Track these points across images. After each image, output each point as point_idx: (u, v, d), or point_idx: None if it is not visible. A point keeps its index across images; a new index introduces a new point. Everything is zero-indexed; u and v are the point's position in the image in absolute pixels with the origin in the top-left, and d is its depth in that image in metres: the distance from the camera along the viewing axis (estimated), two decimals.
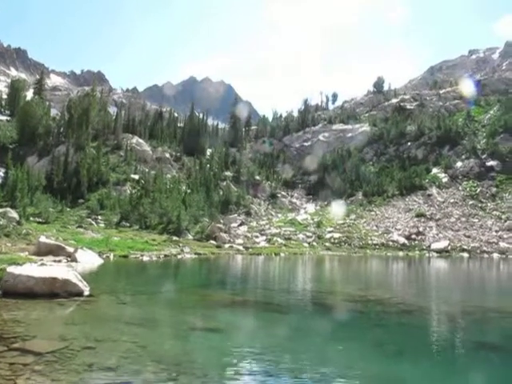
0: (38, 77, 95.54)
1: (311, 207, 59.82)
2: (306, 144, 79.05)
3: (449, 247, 44.59)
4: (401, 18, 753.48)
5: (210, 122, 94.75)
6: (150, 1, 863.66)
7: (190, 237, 38.05)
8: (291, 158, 75.99)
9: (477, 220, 51.07)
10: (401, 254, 41.75)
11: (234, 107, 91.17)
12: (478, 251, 44.05)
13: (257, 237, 44.09)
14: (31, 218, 35.33)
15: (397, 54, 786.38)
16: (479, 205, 54.38)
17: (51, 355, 6.30)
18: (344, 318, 11.27)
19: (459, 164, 62.76)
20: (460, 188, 58.45)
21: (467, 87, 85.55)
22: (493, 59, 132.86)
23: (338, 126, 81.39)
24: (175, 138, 74.81)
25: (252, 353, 7.52)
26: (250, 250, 36.07)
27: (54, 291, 11.07)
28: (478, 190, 57.14)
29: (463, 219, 51.23)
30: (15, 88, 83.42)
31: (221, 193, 55.39)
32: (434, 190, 58.14)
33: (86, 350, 6.70)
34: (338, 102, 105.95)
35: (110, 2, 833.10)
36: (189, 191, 51.78)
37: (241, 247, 36.67)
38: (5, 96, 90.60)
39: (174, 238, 35.47)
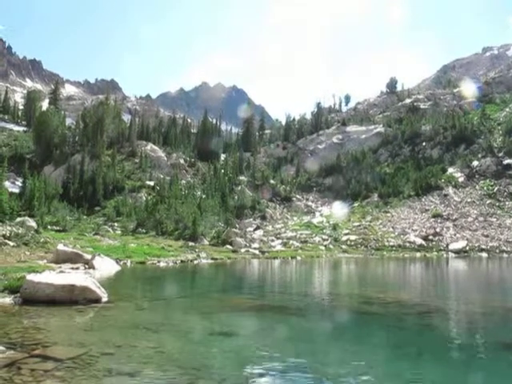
0: (52, 87, 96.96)
1: (326, 210, 59.56)
2: (319, 147, 78.85)
3: (467, 247, 43.99)
4: (410, 16, 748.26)
5: (223, 127, 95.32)
6: (155, 7, 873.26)
7: (206, 242, 38.12)
8: (305, 160, 75.80)
9: (495, 219, 50.35)
10: (418, 255, 41.29)
11: (244, 112, 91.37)
12: (497, 251, 43.40)
13: (273, 241, 43.99)
14: (49, 227, 35.74)
15: (409, 53, 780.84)
16: (497, 204, 53.64)
17: (71, 361, 6.35)
18: (362, 320, 11.16)
19: (476, 163, 61.98)
20: (477, 187, 57.71)
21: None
22: (507, 56, 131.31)
23: (351, 128, 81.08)
24: (189, 144, 75.31)
25: (270, 357, 7.49)
26: (266, 254, 35.99)
27: (73, 298, 11.17)
28: (496, 188, 56.37)
29: (481, 219, 50.53)
30: (31, 99, 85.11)
31: (236, 197, 55.44)
32: (450, 190, 57.49)
33: (105, 356, 6.74)
34: (351, 104, 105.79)
35: (115, 11, 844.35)
36: (204, 196, 51.97)
37: (257, 251, 36.58)
38: (21, 107, 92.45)
39: (190, 243, 35.55)
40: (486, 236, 46.57)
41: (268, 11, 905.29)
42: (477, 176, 59.91)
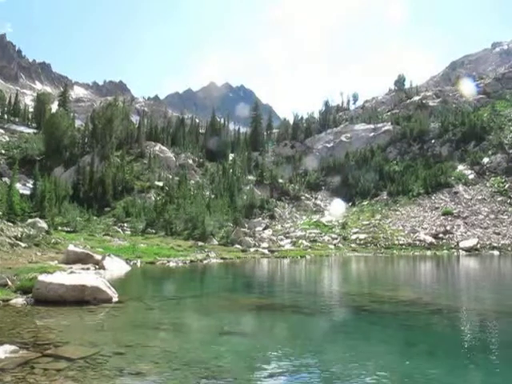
0: (62, 89, 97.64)
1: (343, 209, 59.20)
2: (328, 145, 78.62)
3: (478, 245, 43.64)
4: (417, 13, 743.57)
5: (231, 126, 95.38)
6: (161, 8, 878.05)
7: (215, 242, 38.20)
8: (314, 159, 75.59)
9: (506, 216, 49.87)
10: (428, 253, 41.04)
11: (254, 111, 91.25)
12: (509, 248, 42.99)
13: (282, 240, 43.99)
14: (59, 228, 36.04)
15: (417, 50, 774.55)
16: (508, 201, 53.08)
17: (83, 361, 6.41)
18: (373, 319, 11.12)
19: (486, 160, 61.39)
20: (487, 184, 57.18)
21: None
22: None
23: (360, 126, 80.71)
24: (197, 144, 75.46)
25: (280, 356, 7.50)
26: (276, 253, 35.98)
27: (84, 298, 11.28)
28: (507, 185, 55.81)
29: (492, 216, 50.10)
30: (41, 101, 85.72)
31: (244, 197, 55.47)
32: (460, 188, 57.03)
33: (116, 356, 6.79)
34: (359, 102, 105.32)
35: (121, 14, 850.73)
36: (213, 196, 52.11)
37: (266, 251, 36.59)
38: (31, 109, 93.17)
39: (200, 243, 35.66)
40: (498, 234, 46.17)
41: (273, 11, 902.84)
42: (487, 173, 59.35)
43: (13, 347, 6.77)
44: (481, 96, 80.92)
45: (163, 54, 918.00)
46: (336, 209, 56.29)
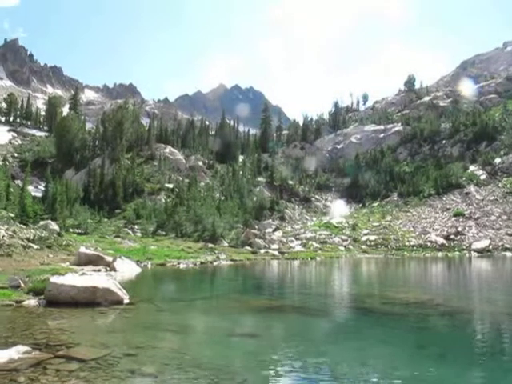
0: (72, 92, 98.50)
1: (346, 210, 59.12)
2: (338, 146, 78.41)
3: (490, 246, 43.18)
4: (427, 12, 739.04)
5: (240, 128, 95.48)
6: (166, 11, 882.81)
7: (225, 243, 38.22)
8: (324, 161, 75.44)
9: None
10: (440, 254, 40.70)
11: (264, 113, 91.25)
12: None
13: (292, 241, 43.88)
14: (71, 230, 36.31)
15: (427, 50, 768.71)
16: None
17: (94, 362, 6.46)
18: (384, 321, 11.06)
19: (498, 160, 60.79)
20: (500, 185, 56.59)
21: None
22: None
23: (370, 127, 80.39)
24: (207, 146, 75.63)
25: (290, 357, 7.50)
26: (286, 254, 35.93)
27: (95, 300, 11.35)
28: None
29: (504, 217, 49.54)
30: (52, 104, 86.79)
31: (254, 198, 55.47)
32: (472, 188, 56.54)
33: (127, 357, 6.83)
34: (369, 103, 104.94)
35: (131, 17, 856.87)
36: (223, 198, 52.19)
37: (276, 252, 36.56)
38: (43, 113, 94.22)
39: (210, 245, 35.72)
40: (510, 235, 45.62)
41: (273, 11, 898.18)
42: (499, 173, 58.74)
43: (25, 348, 6.84)
44: (492, 95, 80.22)
45: (170, 56, 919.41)
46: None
